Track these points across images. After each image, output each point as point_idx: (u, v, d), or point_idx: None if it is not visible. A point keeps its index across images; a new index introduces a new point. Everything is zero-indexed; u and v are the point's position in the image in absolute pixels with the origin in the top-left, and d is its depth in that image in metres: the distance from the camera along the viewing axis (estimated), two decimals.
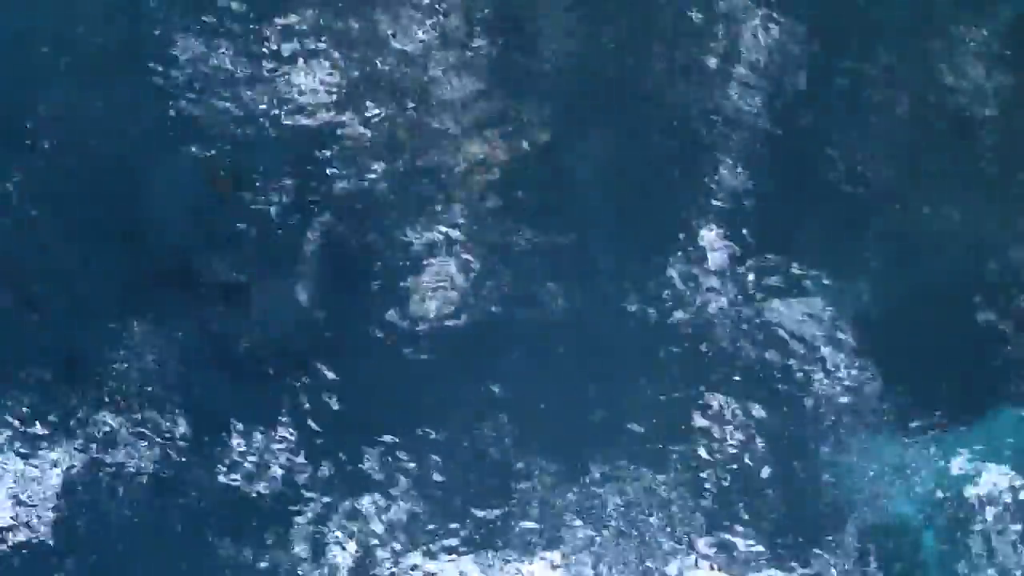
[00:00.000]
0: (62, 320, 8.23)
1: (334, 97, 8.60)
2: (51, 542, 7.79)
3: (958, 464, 7.98)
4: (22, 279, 8.35)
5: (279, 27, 8.66)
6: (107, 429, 8.00)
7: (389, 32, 8.73)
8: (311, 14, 8.70)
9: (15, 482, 7.86)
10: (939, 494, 7.92)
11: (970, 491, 7.92)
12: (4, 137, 8.51)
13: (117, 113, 8.57)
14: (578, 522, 7.90)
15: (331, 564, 7.81)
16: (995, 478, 7.93)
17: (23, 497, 7.85)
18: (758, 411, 8.07)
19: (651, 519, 7.93)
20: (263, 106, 8.59)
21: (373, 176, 8.53)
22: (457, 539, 7.86)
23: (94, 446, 7.98)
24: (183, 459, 7.97)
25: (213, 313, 8.27)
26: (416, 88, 8.65)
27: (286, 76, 8.63)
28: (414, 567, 7.83)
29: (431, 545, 7.85)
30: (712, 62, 8.67)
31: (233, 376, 8.16)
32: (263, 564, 7.77)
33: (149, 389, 8.09)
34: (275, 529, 7.85)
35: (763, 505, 7.95)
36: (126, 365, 8.13)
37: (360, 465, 8.00)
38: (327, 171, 8.52)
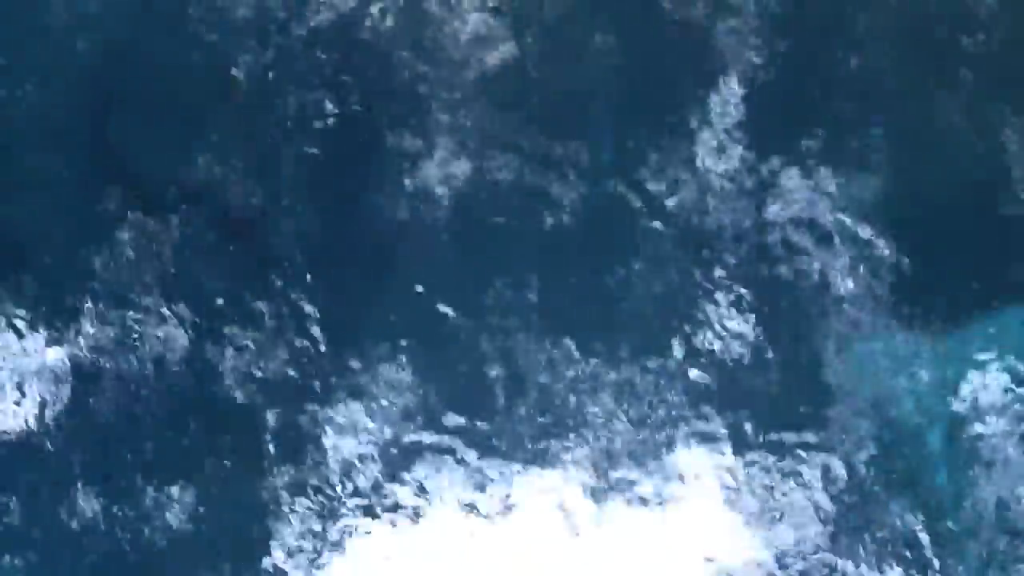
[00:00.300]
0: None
1: None
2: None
3: (964, 360, 7.86)
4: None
5: None
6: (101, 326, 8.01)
7: None
8: None
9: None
10: (944, 390, 7.79)
11: (975, 387, 7.84)
12: None
13: None
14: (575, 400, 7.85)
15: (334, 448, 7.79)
16: (1000, 375, 7.83)
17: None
18: (760, 299, 7.91)
19: (647, 400, 7.86)
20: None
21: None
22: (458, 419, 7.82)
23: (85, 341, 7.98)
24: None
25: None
26: None
27: None
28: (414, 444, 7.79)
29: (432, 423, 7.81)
30: None
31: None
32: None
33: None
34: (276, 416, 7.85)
35: (760, 393, 7.79)
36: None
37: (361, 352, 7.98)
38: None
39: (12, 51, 8.39)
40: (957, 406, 7.69)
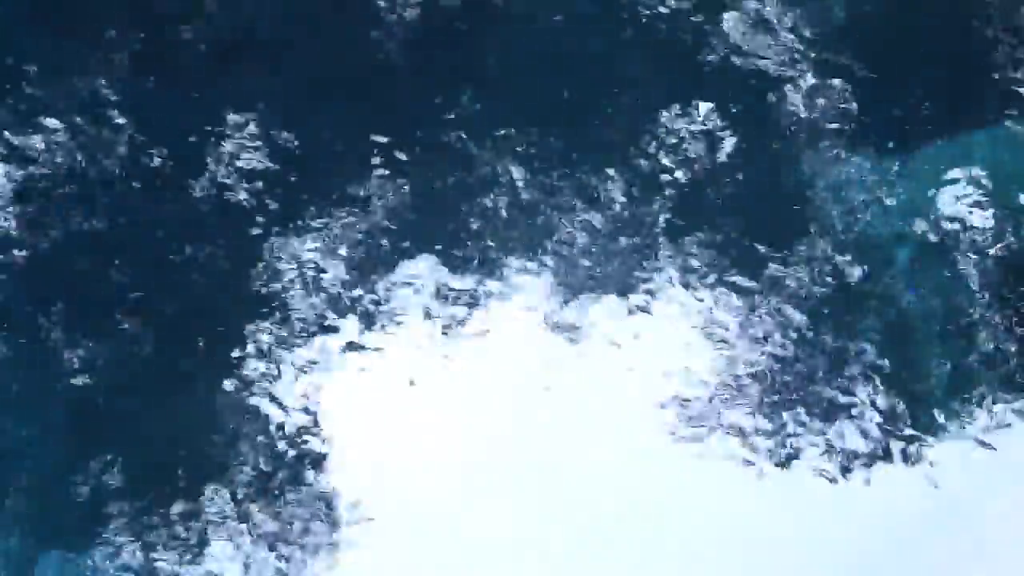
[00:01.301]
0: None
1: None
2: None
3: (932, 181, 7.92)
4: None
5: None
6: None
7: None
8: None
9: None
10: (912, 208, 7.87)
11: (942, 208, 7.92)
12: None
13: None
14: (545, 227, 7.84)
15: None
16: (965, 195, 7.93)
17: None
18: (731, 121, 7.95)
19: (619, 225, 7.87)
20: None
21: None
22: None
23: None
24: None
25: None
26: None
27: None
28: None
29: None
30: None
31: None
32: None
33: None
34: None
35: (733, 213, 7.84)
36: None
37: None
38: None
39: None
40: (924, 224, 7.85)
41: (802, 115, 7.96)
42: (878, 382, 7.53)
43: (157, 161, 7.80)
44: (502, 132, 7.84)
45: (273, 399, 7.47)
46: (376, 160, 7.80)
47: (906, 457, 7.37)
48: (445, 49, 8.04)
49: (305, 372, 7.50)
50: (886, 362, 7.55)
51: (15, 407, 7.29)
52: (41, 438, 7.26)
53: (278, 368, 7.49)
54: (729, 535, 7.15)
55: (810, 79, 8.00)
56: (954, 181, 7.86)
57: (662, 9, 8.11)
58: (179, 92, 7.94)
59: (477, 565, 7.09)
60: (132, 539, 7.10)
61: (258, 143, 7.84)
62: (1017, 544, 7.17)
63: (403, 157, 7.82)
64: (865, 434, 7.44)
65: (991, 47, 8.03)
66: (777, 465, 7.37)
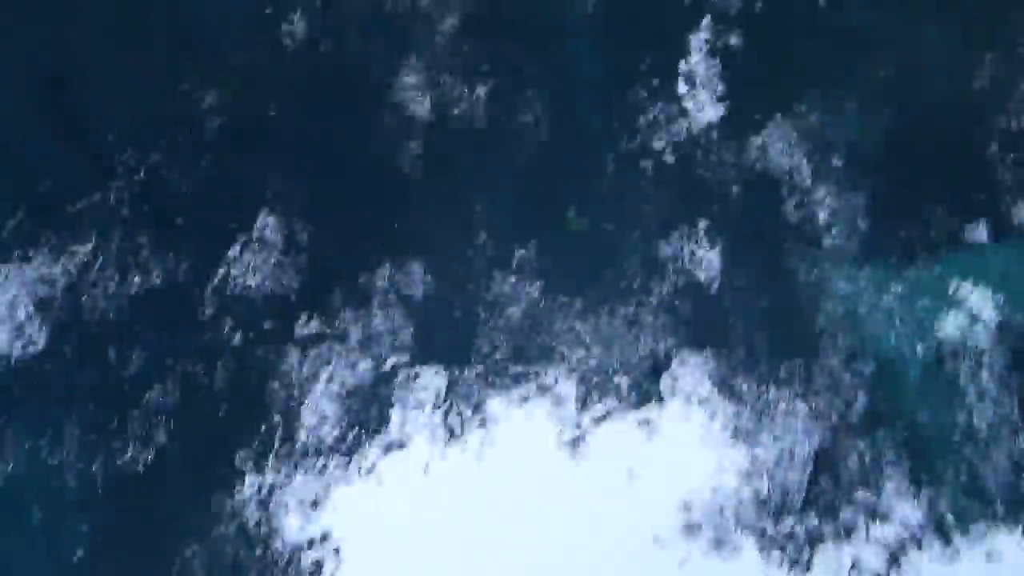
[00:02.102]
0: None
1: None
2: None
3: (939, 297, 7.96)
4: None
5: None
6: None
7: None
8: None
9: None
10: (924, 325, 7.90)
11: (952, 323, 7.94)
12: None
13: None
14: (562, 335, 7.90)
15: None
16: (977, 307, 7.95)
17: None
18: (740, 239, 8.07)
19: (629, 338, 7.91)
20: None
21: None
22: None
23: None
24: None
25: None
26: None
27: None
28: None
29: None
30: None
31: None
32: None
33: None
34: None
35: (743, 328, 7.89)
36: None
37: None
38: None
39: None
40: (934, 338, 7.85)
41: (812, 229, 8.11)
42: (890, 497, 7.54)
43: (167, 273, 7.97)
44: (514, 248, 8.01)
45: (278, 512, 7.49)
46: (385, 272, 7.95)
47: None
48: (459, 161, 8.28)
49: (312, 486, 7.54)
50: (902, 475, 7.57)
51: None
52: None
53: (285, 481, 7.51)
54: None
55: (822, 194, 8.17)
56: (963, 294, 7.91)
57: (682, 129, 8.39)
58: (190, 203, 8.15)
59: None
60: None
61: (270, 255, 8.01)
62: None
63: (415, 268, 7.99)
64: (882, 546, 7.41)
65: (995, 164, 8.20)
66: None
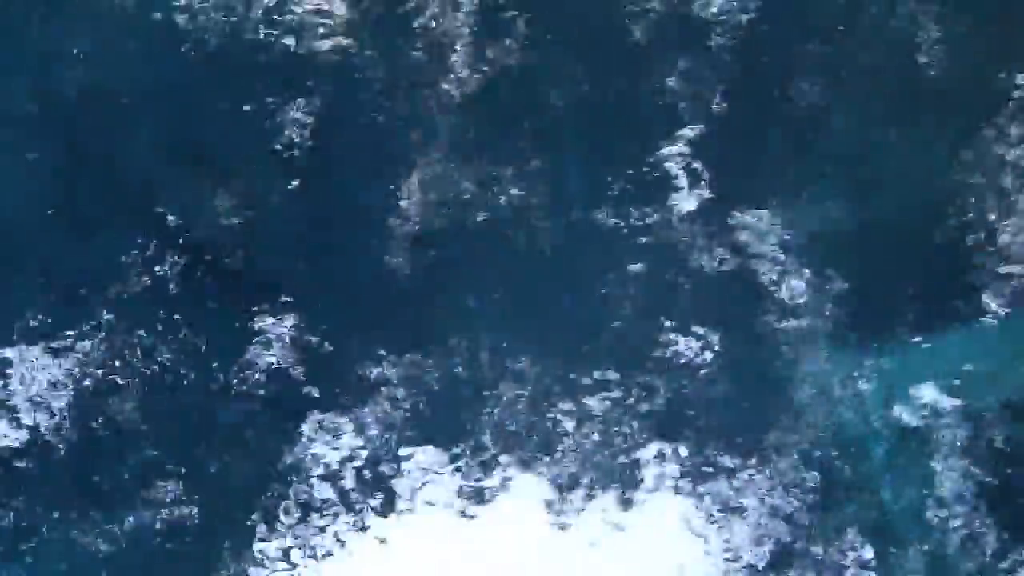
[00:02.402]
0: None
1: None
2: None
3: (906, 380, 8.45)
4: None
5: None
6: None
7: None
8: None
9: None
10: (887, 408, 8.40)
11: (916, 408, 8.44)
12: None
13: None
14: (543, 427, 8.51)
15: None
16: (938, 396, 8.46)
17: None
18: (718, 327, 8.58)
19: (608, 428, 8.51)
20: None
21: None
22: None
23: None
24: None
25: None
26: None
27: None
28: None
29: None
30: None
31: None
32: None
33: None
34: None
35: (717, 413, 8.45)
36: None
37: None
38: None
39: None
40: (900, 424, 8.37)
41: (787, 315, 8.63)
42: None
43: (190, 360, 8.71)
44: (503, 343, 8.60)
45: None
46: (385, 363, 8.61)
47: None
48: (449, 262, 8.87)
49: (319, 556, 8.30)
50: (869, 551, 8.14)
51: None
52: None
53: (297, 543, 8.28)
54: None
55: (795, 280, 8.69)
56: (928, 378, 8.43)
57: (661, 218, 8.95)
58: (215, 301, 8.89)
59: None
60: None
61: (284, 346, 8.71)
62: None
63: (410, 359, 8.62)
64: None
65: (967, 255, 8.67)
66: None
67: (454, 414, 8.51)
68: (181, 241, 8.87)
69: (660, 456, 8.35)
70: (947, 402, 8.32)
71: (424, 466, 8.41)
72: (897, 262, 8.75)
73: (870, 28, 9.16)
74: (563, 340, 8.64)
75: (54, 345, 8.62)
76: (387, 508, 8.37)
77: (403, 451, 8.42)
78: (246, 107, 9.15)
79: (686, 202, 8.87)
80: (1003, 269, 8.53)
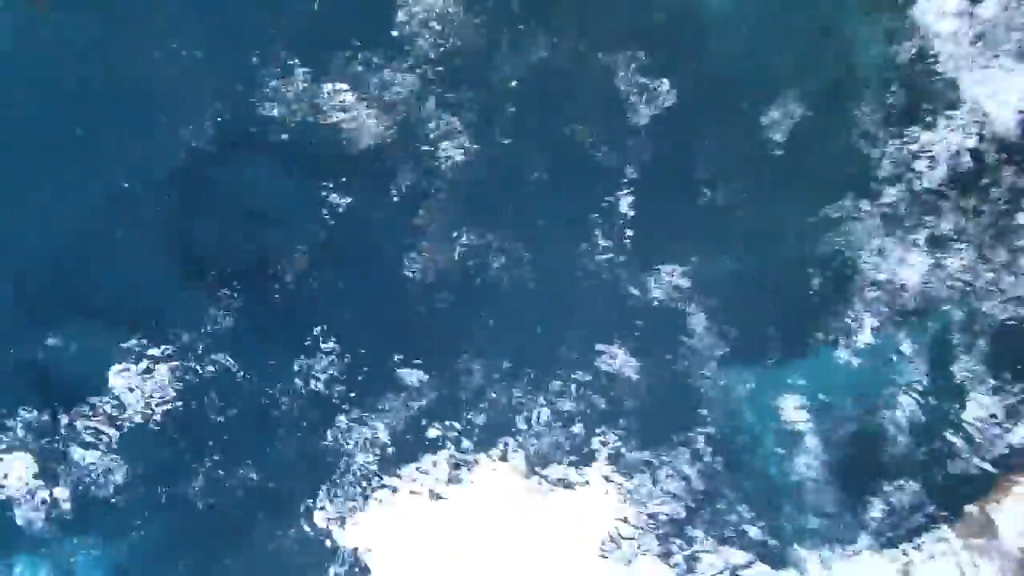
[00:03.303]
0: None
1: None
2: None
3: (787, 387, 11.76)
4: None
5: None
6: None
7: None
8: None
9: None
10: (774, 407, 11.69)
11: (794, 406, 11.68)
12: None
13: None
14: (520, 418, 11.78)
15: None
16: (805, 400, 11.70)
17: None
18: (640, 352, 11.82)
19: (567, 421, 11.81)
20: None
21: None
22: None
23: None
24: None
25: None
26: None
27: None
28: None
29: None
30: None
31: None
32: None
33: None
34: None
35: (644, 409, 11.72)
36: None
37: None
38: None
39: None
40: (777, 416, 11.64)
41: (700, 343, 11.85)
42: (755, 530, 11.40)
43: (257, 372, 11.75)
44: (493, 358, 11.78)
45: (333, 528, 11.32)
46: (407, 372, 11.72)
47: None
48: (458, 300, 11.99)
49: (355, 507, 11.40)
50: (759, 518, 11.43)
51: None
52: None
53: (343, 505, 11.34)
54: None
55: (699, 313, 11.86)
56: (799, 387, 11.69)
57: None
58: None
59: None
60: None
61: (329, 361, 11.75)
62: None
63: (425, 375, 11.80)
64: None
65: (828, 298, 11.90)
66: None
67: (457, 409, 11.70)
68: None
69: (604, 441, 11.65)
70: (811, 403, 11.64)
71: (435, 440, 11.65)
72: (773, 302, 11.99)
73: (751, 120, 12.14)
74: (536, 353, 11.86)
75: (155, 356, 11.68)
76: (398, 476, 11.54)
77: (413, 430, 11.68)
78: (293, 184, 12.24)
79: (617, 254, 12.01)
80: (855, 312, 11.83)
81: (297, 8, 12.17)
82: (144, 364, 11.51)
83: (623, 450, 11.61)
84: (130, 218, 11.77)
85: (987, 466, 11.40)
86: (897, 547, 11.38)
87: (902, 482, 11.47)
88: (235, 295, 11.74)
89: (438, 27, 12.09)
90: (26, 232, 11.60)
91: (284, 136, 11.89)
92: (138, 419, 11.40)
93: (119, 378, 11.46)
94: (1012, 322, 11.54)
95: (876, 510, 11.43)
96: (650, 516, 11.50)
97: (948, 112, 11.79)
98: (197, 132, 11.93)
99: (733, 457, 11.59)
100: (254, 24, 12.08)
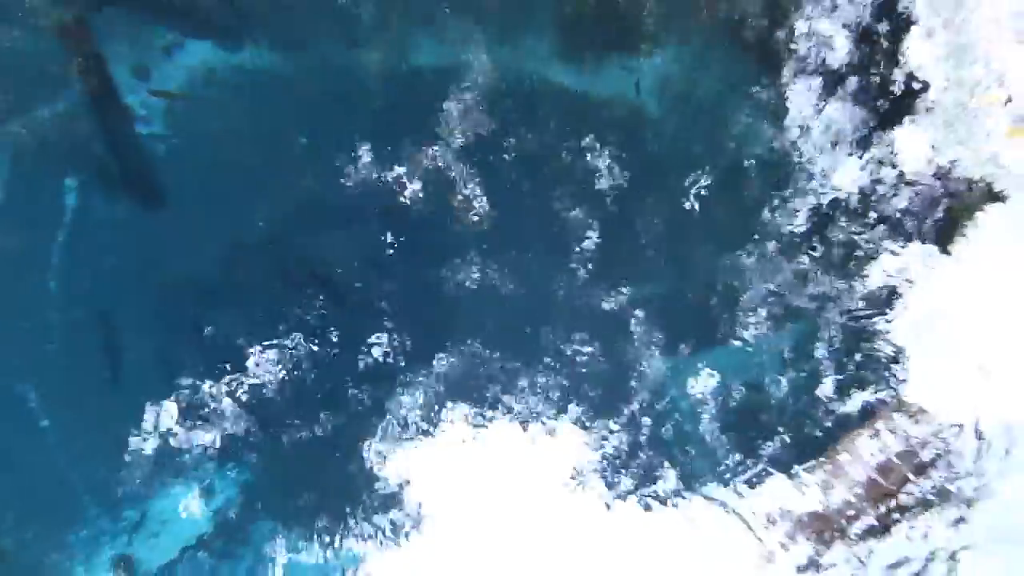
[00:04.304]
0: None
1: None
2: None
3: (697, 370, 16.79)
4: None
5: None
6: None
7: None
8: None
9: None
10: (688, 383, 16.70)
11: (703, 382, 16.68)
12: None
13: None
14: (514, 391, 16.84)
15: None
16: (709, 379, 16.72)
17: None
18: (597, 345, 16.90)
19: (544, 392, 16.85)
20: None
21: None
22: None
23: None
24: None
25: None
26: None
27: None
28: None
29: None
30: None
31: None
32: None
33: None
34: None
35: (599, 387, 16.80)
36: None
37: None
38: None
39: None
40: (690, 391, 16.65)
41: (639, 340, 16.87)
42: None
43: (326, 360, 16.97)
44: (500, 350, 16.87)
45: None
46: (438, 356, 16.85)
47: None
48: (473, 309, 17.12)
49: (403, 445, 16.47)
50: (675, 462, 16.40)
51: None
52: None
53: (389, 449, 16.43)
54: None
55: (639, 312, 16.91)
56: (706, 370, 16.69)
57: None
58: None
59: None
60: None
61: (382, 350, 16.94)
62: None
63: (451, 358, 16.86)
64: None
65: (722, 309, 16.97)
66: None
67: (475, 384, 16.82)
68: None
69: (564, 408, 16.75)
70: (713, 382, 16.67)
71: (454, 405, 16.76)
72: (689, 312, 17.07)
73: (676, 187, 17.20)
74: (524, 344, 16.97)
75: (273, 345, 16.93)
76: (436, 429, 16.65)
77: (448, 405, 16.78)
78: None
79: (584, 277, 17.18)
80: (744, 317, 16.91)
81: (371, 106, 17.75)
82: (267, 348, 16.96)
83: (584, 412, 16.72)
84: (257, 253, 17.29)
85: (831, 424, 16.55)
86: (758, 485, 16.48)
87: (779, 432, 16.57)
88: (319, 302, 17.09)
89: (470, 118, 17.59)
90: (193, 255, 17.03)
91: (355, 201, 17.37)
92: (259, 382, 16.78)
93: (251, 358, 16.86)
94: (852, 325, 16.70)
95: (763, 449, 16.48)
96: (602, 458, 16.63)
97: (810, 185, 17.14)
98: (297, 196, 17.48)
99: (658, 419, 16.69)
100: (340, 119, 17.57)
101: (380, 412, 16.66)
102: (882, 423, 16.06)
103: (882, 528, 15.67)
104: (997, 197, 15.92)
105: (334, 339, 16.78)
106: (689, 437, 16.44)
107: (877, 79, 16.62)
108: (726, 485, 16.09)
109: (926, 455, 15.80)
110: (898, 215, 16.47)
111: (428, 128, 17.00)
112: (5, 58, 16.67)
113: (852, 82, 16.60)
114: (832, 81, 16.72)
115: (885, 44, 16.59)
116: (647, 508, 16.17)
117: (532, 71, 17.38)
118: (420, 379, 16.71)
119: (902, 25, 16.34)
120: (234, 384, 16.42)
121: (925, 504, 15.57)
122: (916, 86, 16.24)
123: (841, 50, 16.66)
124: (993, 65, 15.96)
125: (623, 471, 16.37)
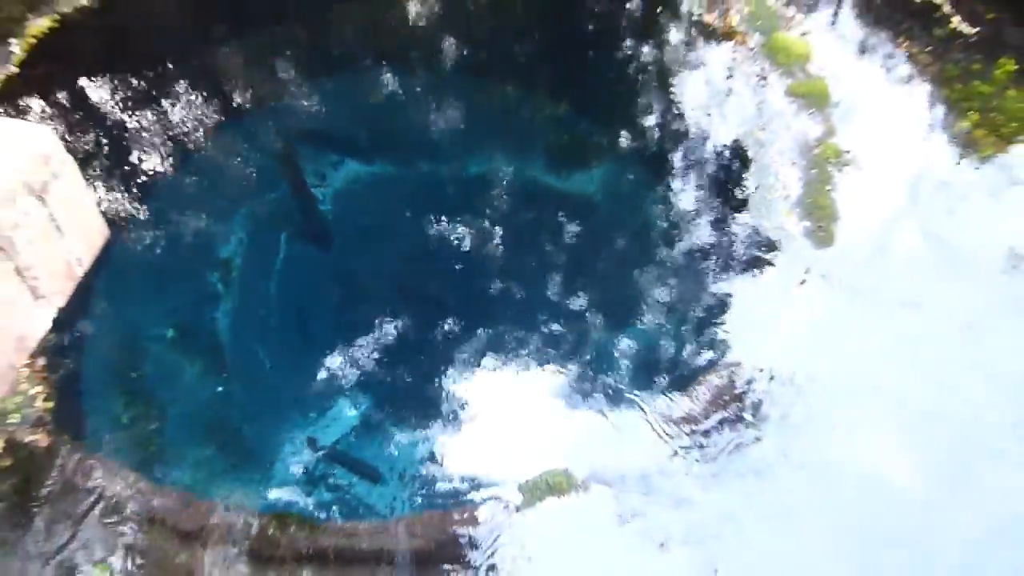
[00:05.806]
0: None
1: None
2: None
3: (615, 336, 21.42)
4: None
5: None
6: None
7: None
8: None
9: None
10: (614, 344, 21.36)
11: (622, 345, 22.88)
12: None
13: None
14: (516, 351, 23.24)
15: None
16: (630, 342, 21.31)
17: None
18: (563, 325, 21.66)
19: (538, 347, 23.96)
20: None
21: None
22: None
23: None
24: None
25: None
26: None
27: None
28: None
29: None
30: None
31: None
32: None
33: None
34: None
35: (568, 346, 21.91)
36: None
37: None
38: None
39: None
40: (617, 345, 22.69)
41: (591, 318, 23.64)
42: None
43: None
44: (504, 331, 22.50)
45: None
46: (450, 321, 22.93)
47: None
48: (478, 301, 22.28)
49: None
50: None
51: None
52: None
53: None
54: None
55: (591, 309, 23.11)
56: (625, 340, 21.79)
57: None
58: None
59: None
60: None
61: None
62: None
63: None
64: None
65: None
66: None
67: (483, 341, 21.64)
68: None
69: (548, 361, 22.09)
70: (632, 342, 21.52)
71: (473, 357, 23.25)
72: (617, 308, 21.61)
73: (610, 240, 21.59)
74: (511, 322, 21.94)
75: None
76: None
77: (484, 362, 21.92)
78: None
79: (553, 291, 21.81)
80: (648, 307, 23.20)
81: (445, 192, 23.38)
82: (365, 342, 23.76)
83: (559, 362, 21.35)
84: (388, 278, 23.48)
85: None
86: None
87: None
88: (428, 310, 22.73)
89: (498, 201, 23.23)
90: (350, 279, 23.10)
91: (435, 245, 23.11)
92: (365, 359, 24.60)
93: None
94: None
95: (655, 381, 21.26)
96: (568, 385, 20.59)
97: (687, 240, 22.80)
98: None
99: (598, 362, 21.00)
100: (427, 200, 23.65)
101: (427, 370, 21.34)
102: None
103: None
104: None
105: (436, 334, 21.93)
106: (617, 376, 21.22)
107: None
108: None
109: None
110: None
111: (477, 206, 23.11)
112: (247, 168, 23.96)
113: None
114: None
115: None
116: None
117: (530, 175, 23.24)
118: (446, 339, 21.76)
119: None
120: (369, 352, 22.72)
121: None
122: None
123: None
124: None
125: (582, 392, 21.11)
